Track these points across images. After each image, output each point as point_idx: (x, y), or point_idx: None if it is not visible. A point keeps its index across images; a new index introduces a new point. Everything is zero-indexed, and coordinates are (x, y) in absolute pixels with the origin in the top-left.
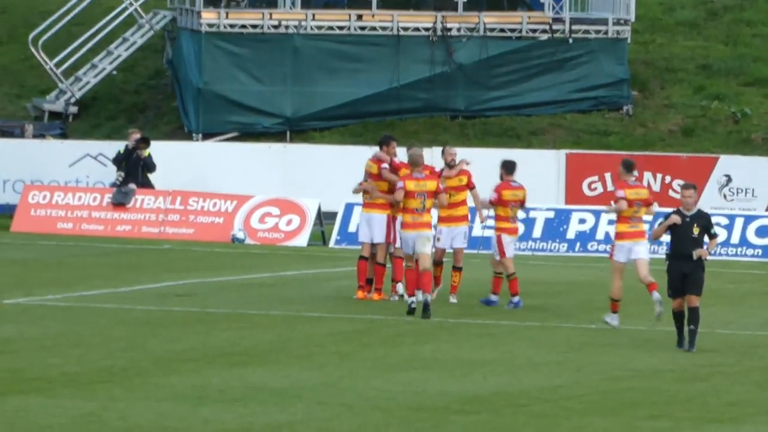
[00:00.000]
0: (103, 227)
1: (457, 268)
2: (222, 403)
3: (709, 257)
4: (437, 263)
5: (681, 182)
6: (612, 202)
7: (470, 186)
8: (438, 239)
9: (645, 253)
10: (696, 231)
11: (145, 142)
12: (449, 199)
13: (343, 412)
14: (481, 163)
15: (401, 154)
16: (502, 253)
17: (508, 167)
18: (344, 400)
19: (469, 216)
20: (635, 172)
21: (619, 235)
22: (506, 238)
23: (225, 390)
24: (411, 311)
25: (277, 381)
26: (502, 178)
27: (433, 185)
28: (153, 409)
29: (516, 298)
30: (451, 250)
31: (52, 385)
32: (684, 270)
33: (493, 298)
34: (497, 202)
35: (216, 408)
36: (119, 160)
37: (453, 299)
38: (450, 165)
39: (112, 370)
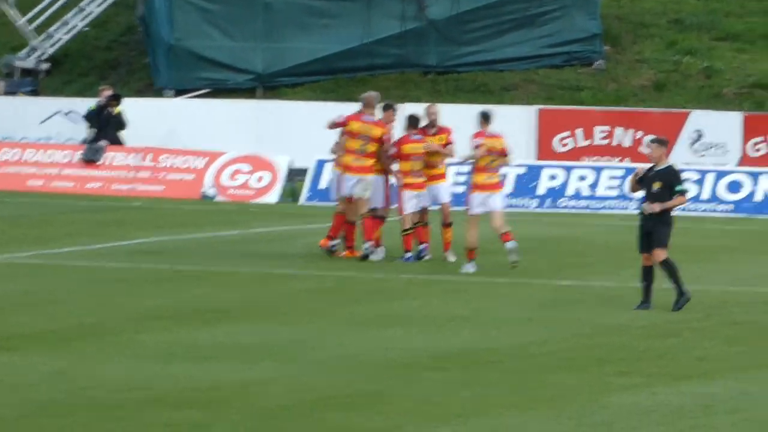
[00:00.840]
0: (74, 184)
1: (446, 225)
2: (192, 360)
3: (675, 212)
4: (425, 223)
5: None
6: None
7: (448, 142)
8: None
9: (500, 203)
10: (656, 186)
11: (116, 99)
12: (429, 158)
13: (313, 370)
14: (454, 120)
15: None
16: (400, 208)
17: (412, 121)
18: (314, 357)
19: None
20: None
21: (475, 186)
22: (406, 194)
23: (195, 347)
24: (364, 257)
25: (247, 338)
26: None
27: (378, 132)
28: (123, 366)
29: (408, 254)
30: (436, 207)
31: (22, 343)
32: (645, 225)
33: (408, 255)
34: (396, 156)
35: (186, 365)
36: (90, 117)
37: (451, 257)
38: (432, 124)
39: (83, 327)
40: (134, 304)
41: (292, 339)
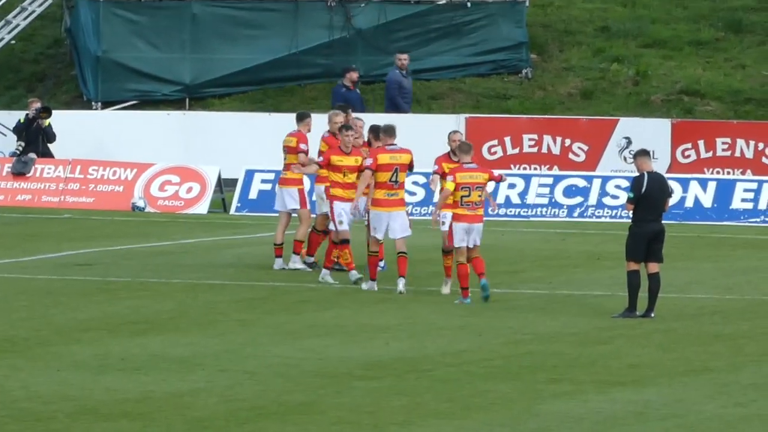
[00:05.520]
0: (3, 197)
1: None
2: (123, 371)
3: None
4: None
5: (582, 145)
6: None
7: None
8: (443, 222)
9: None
10: None
11: (46, 111)
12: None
13: (245, 380)
14: None
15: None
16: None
17: (376, 131)
18: (246, 367)
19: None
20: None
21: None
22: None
23: (126, 358)
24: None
25: (179, 349)
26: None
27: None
28: (55, 378)
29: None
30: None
31: None
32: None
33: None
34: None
35: (117, 376)
36: (20, 130)
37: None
38: (454, 151)
39: (14, 339)
40: (65, 316)
41: (223, 349)
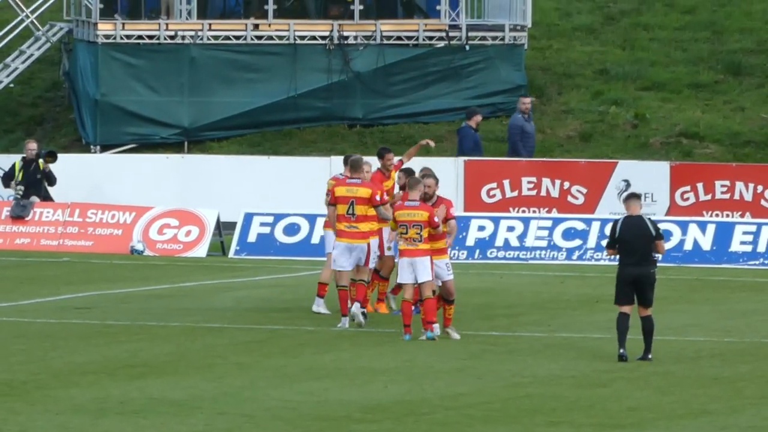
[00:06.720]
0: (2, 240)
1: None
2: (122, 415)
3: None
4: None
5: (581, 187)
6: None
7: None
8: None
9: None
10: None
11: (51, 155)
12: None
13: (244, 423)
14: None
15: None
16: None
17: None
18: (245, 410)
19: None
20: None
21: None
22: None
23: (125, 402)
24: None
25: (177, 392)
26: None
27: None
28: (53, 421)
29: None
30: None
31: None
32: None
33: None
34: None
35: (116, 420)
36: (9, 176)
37: (455, 334)
38: (428, 196)
39: (12, 383)
40: (64, 360)
41: (222, 392)
